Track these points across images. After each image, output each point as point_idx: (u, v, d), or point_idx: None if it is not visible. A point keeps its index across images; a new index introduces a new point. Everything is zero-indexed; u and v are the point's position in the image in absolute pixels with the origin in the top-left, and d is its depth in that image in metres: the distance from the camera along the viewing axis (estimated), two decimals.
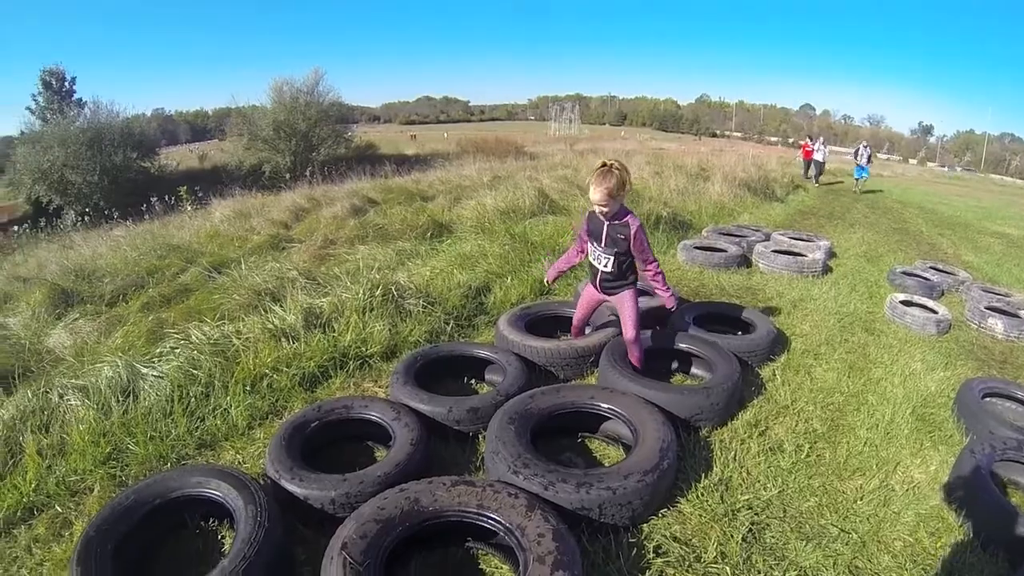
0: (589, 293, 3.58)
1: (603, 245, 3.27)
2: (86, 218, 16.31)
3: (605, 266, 3.31)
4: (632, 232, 3.18)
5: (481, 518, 2.08)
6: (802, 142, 21.64)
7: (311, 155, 25.91)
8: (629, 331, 3.37)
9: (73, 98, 29.26)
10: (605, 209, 3.14)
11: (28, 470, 2.75)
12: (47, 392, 3.29)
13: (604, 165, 3.10)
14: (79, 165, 21.68)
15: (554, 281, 3.90)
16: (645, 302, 4.05)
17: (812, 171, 18.46)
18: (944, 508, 2.62)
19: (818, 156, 18.11)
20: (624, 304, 3.38)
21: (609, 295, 3.44)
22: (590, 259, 3.43)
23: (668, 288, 3.49)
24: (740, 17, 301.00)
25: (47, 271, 7.05)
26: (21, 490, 2.65)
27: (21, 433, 2.97)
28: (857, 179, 17.15)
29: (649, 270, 3.35)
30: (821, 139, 18.90)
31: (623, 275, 3.36)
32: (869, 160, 17.30)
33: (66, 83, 29.68)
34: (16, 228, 14.65)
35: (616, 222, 3.21)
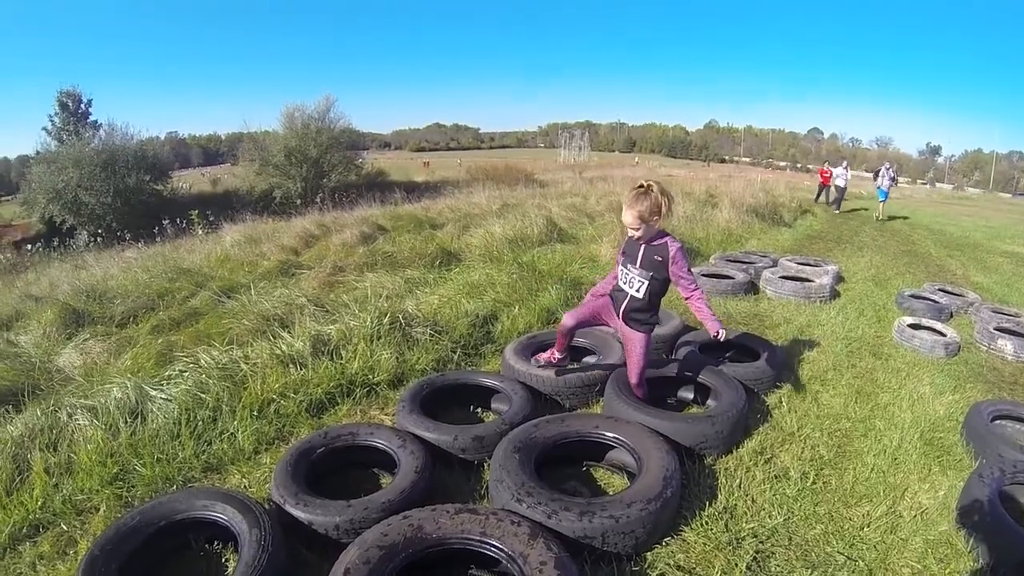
0: (603, 307, 3.27)
1: (639, 267, 3.04)
2: (99, 239, 16.47)
3: (637, 291, 3.07)
4: (671, 254, 2.97)
5: (484, 546, 2.08)
6: (818, 167, 21.55)
7: (322, 181, 26.05)
8: (633, 377, 3.26)
9: (89, 120, 29.73)
10: (637, 233, 2.97)
11: (35, 487, 2.78)
12: (56, 411, 3.34)
13: (641, 186, 2.91)
14: (93, 186, 21.98)
15: None
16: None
17: (830, 196, 17.86)
18: (953, 534, 2.58)
19: (839, 181, 17.36)
20: (635, 348, 3.18)
21: (628, 327, 3.17)
22: (620, 283, 3.16)
23: (714, 317, 3.16)
24: (748, 42, 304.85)
25: (59, 291, 7.16)
26: (28, 507, 2.68)
27: (29, 451, 3.01)
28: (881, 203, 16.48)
29: (692, 297, 3.10)
30: (845, 163, 18.13)
31: (652, 307, 3.12)
32: (893, 182, 16.75)
33: (82, 105, 30.15)
34: (29, 247, 14.87)
35: (654, 243, 3.01)
